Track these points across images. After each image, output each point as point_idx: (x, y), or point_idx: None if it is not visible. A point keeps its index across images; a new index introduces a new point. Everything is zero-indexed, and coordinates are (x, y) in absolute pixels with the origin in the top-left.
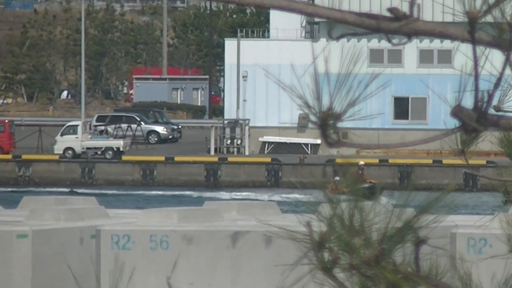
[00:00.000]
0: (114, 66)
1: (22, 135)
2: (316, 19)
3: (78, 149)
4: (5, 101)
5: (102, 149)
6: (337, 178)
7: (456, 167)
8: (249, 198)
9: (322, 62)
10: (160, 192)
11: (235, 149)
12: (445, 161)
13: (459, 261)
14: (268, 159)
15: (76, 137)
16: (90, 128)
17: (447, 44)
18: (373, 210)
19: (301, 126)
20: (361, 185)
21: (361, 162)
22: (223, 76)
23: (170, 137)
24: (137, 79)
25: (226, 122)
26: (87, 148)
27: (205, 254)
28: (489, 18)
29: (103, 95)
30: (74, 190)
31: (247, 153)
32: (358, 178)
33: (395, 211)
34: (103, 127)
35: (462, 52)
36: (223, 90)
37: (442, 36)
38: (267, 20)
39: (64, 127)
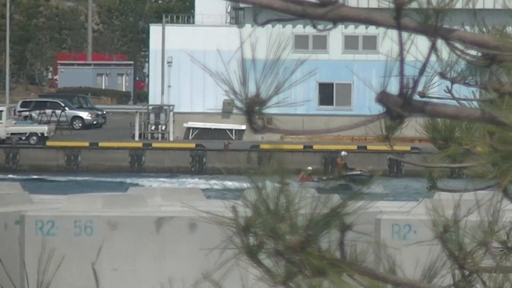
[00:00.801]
0: (39, 52)
1: None
2: (242, 5)
3: (2, 135)
4: None
5: (27, 135)
6: (309, 168)
7: (381, 153)
8: (173, 184)
9: (247, 48)
10: (84, 178)
11: (160, 135)
12: (369, 147)
13: (383, 247)
14: (193, 145)
15: (1, 123)
16: (14, 114)
17: (372, 30)
18: (299, 196)
19: (226, 112)
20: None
21: (343, 152)
22: (148, 61)
23: (95, 122)
24: (61, 64)
25: (150, 108)
26: (12, 134)
27: (129, 240)
28: (414, 4)
29: (27, 81)
30: None
31: (171, 139)
32: (342, 167)
33: (321, 197)
34: (27, 113)
35: (389, 37)
36: (148, 76)
37: (368, 22)
38: (192, 6)
39: None
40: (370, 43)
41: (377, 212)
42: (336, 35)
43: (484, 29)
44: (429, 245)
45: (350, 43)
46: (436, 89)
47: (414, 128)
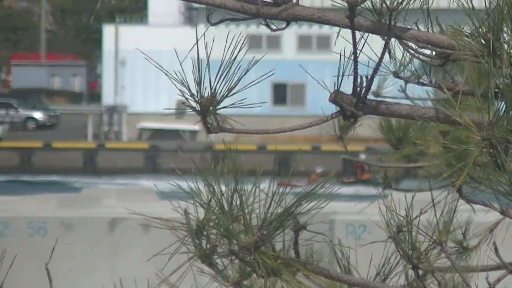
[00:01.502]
0: None
1: None
2: (195, 5)
3: None
4: None
5: None
6: (318, 170)
7: (335, 153)
8: (127, 185)
9: (202, 48)
10: (38, 179)
11: (113, 136)
12: (324, 147)
13: (338, 247)
14: (146, 146)
15: None
16: None
17: (326, 29)
18: (252, 196)
19: (180, 112)
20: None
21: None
22: (101, 62)
23: (48, 123)
24: (15, 65)
25: (104, 108)
26: None
27: (83, 241)
28: (368, 3)
29: None
30: None
31: (125, 140)
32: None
33: (275, 197)
34: None
35: (342, 37)
36: (101, 76)
37: (321, 21)
38: (146, 6)
39: None
40: (324, 43)
41: (332, 213)
42: (290, 35)
43: (438, 29)
44: (384, 243)
45: (304, 43)
46: (390, 89)
47: (369, 128)
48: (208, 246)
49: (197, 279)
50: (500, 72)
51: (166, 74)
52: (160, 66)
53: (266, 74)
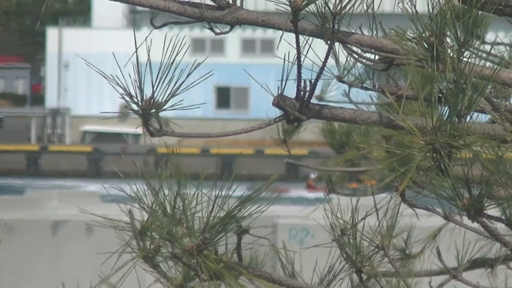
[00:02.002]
0: None
1: None
2: (139, 8)
3: None
4: None
5: None
6: (312, 175)
7: (278, 157)
8: (70, 187)
9: (144, 51)
10: None
11: (57, 138)
12: (267, 151)
13: (281, 250)
14: (89, 148)
15: None
16: None
17: (270, 33)
18: (195, 199)
19: (122, 115)
20: None
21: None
22: (45, 65)
23: None
24: None
25: (47, 111)
26: None
27: (26, 243)
28: (312, 7)
29: None
30: None
31: (68, 142)
32: None
33: (218, 201)
34: None
35: (286, 41)
36: (45, 79)
37: (265, 25)
38: (90, 9)
39: None
40: (268, 47)
41: (275, 216)
42: (234, 38)
43: (382, 33)
44: (328, 247)
45: (247, 46)
46: (334, 93)
47: (312, 132)
48: (151, 247)
49: (141, 282)
50: (444, 76)
51: (105, 78)
52: (102, 69)
53: (206, 74)
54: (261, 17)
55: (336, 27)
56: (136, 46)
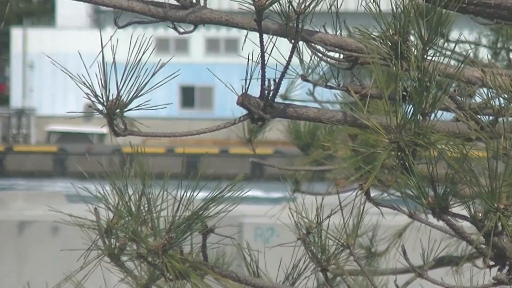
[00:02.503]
0: None
1: None
2: (103, 8)
3: None
4: None
5: None
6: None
7: (243, 157)
8: (35, 188)
9: (109, 51)
10: None
11: (22, 139)
12: (232, 151)
13: (246, 250)
14: (55, 148)
15: None
16: None
17: (234, 33)
18: (160, 199)
19: (87, 115)
20: None
21: None
22: (9, 65)
23: None
24: None
25: (12, 111)
26: None
27: None
28: (276, 6)
29: None
30: None
31: (33, 143)
32: None
33: (183, 200)
34: None
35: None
36: (10, 79)
37: (229, 24)
38: (54, 8)
39: None
40: (232, 46)
41: (240, 215)
42: (198, 38)
43: (346, 32)
44: (293, 247)
45: (211, 46)
46: (299, 92)
47: (278, 131)
48: (117, 245)
49: (107, 283)
50: (408, 75)
51: (71, 77)
52: (66, 69)
53: (172, 74)
54: (225, 16)
55: (300, 26)
56: (102, 45)
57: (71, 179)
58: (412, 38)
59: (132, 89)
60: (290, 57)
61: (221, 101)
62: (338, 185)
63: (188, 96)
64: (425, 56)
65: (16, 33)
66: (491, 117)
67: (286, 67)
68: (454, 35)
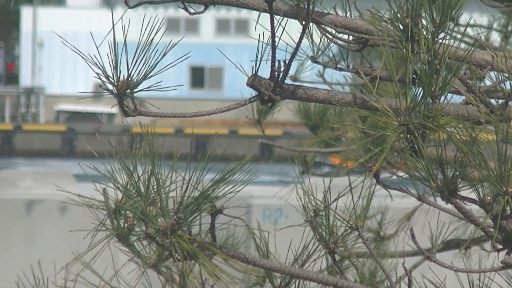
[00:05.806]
0: None
1: None
2: None
3: None
4: None
5: None
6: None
7: (253, 138)
8: (44, 167)
9: (119, 31)
10: None
11: (31, 118)
12: (241, 131)
13: (255, 231)
14: (63, 128)
15: None
16: None
17: (244, 13)
18: (169, 179)
19: (97, 95)
20: None
21: None
22: (19, 44)
23: None
24: None
25: (21, 90)
26: None
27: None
28: None
29: None
30: None
31: (42, 122)
32: None
33: (192, 181)
34: None
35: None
36: (19, 58)
37: (240, 5)
38: None
39: None
40: (242, 27)
41: (249, 197)
42: (208, 18)
43: (356, 14)
44: (303, 228)
45: (222, 26)
46: (308, 73)
47: (287, 111)
48: (125, 225)
49: (115, 262)
50: (418, 57)
51: (82, 57)
52: (77, 48)
53: (182, 56)
54: None
55: (310, 7)
56: (113, 25)
57: (80, 159)
58: (423, 21)
59: (143, 70)
60: (301, 38)
61: (230, 81)
62: (347, 167)
63: (198, 76)
64: (435, 39)
65: (26, 12)
66: (501, 100)
67: (296, 49)
68: (464, 18)
